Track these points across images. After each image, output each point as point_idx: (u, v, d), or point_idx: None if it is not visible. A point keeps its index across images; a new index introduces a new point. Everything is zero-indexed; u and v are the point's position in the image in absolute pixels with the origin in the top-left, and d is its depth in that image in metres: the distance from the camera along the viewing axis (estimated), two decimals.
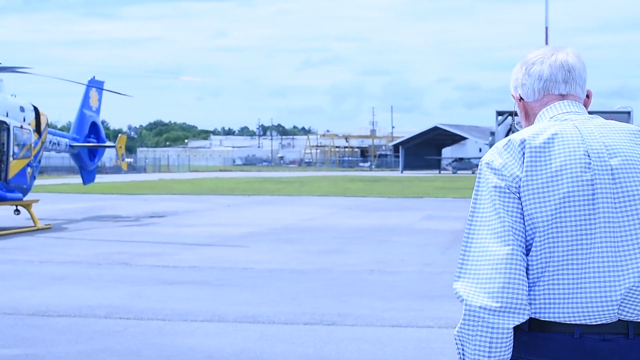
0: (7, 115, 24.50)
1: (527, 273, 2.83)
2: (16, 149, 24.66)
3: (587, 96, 3.15)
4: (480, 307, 2.76)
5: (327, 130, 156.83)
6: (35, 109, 26.25)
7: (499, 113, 21.53)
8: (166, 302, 11.94)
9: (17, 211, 25.02)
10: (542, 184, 2.85)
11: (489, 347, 2.77)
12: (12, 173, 24.46)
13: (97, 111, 32.43)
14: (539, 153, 2.88)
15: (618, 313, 2.79)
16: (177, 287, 13.41)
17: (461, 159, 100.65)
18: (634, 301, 2.79)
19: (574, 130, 2.94)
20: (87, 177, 32.48)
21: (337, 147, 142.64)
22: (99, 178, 69.06)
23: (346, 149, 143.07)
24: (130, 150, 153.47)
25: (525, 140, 2.91)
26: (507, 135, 22.18)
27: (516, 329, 2.83)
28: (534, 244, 2.84)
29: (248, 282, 13.86)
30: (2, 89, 25.22)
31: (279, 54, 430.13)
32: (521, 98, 3.16)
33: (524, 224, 2.85)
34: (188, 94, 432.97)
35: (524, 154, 2.89)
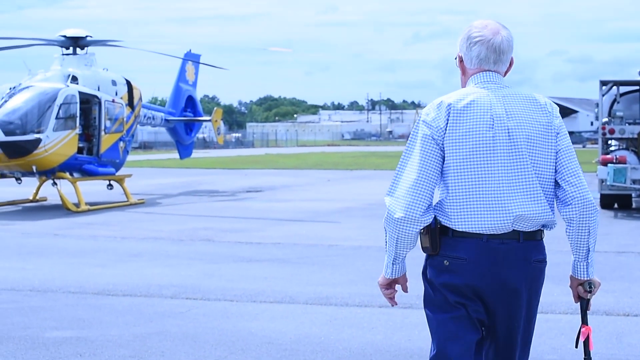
0: (98, 89, 24.19)
1: (446, 199, 4.09)
2: (108, 123, 24.34)
3: (510, 64, 4.26)
4: (395, 217, 4.07)
5: None
6: (128, 83, 25.86)
7: (603, 83, 20.21)
8: (239, 281, 11.33)
9: (110, 186, 24.78)
10: (458, 137, 4.07)
11: (396, 241, 4.16)
12: (104, 147, 24.15)
13: (194, 85, 32.03)
14: (459, 115, 4.08)
15: (511, 226, 4.08)
16: (255, 265, 12.80)
17: (571, 133, 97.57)
18: (521, 222, 4.09)
19: (487, 98, 4.11)
20: (184, 151, 32.12)
21: None
22: (206, 153, 69.47)
23: None
24: (239, 125, 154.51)
25: (451, 104, 4.09)
26: (611, 106, 20.81)
27: (444, 235, 4.14)
28: (450, 179, 4.08)
29: (330, 260, 13.17)
30: (94, 62, 24.98)
31: (387, 28, 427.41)
32: (462, 60, 4.26)
33: (439, 163, 4.07)
34: (297, 69, 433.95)
35: (449, 113, 4.08)
